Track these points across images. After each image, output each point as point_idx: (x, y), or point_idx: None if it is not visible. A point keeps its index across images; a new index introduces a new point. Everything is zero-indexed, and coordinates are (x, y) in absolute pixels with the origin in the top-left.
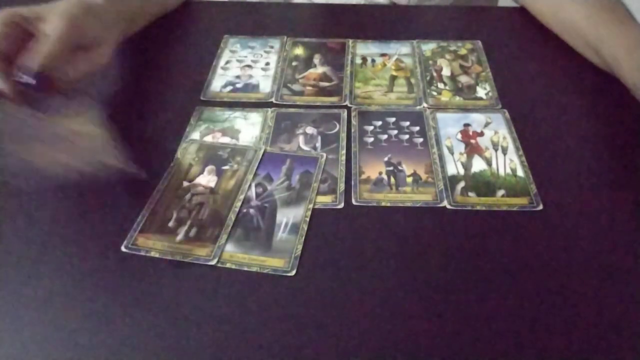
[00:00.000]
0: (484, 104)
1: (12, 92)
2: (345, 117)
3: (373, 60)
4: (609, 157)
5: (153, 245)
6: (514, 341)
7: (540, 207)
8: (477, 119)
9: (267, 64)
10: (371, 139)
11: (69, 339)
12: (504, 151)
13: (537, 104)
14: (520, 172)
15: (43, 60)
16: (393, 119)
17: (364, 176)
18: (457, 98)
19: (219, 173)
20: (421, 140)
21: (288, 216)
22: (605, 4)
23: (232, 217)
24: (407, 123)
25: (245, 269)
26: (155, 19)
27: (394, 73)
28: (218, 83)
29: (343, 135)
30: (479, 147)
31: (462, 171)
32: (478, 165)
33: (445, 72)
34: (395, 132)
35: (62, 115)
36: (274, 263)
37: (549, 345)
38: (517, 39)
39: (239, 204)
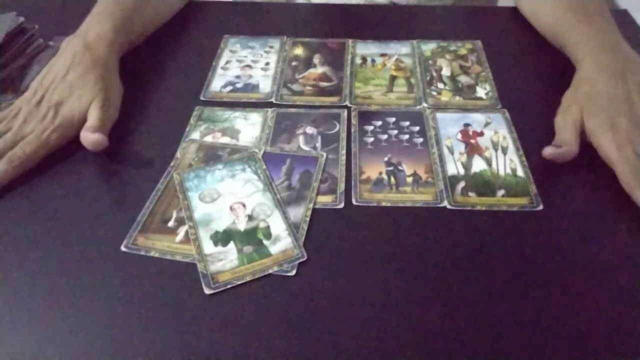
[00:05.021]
0: (484, 104)
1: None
2: (345, 117)
3: (373, 60)
4: None
5: (153, 245)
6: (514, 341)
7: (540, 207)
8: (477, 119)
9: (267, 64)
10: (371, 139)
11: (69, 339)
12: (504, 151)
13: (537, 104)
14: (520, 172)
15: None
16: (393, 119)
17: (364, 176)
18: (457, 98)
19: None
20: (421, 140)
21: (288, 216)
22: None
23: None
24: (407, 123)
25: None
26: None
27: (394, 73)
28: (218, 83)
29: (343, 135)
30: (479, 147)
31: (462, 171)
32: (478, 165)
33: (445, 72)
34: (395, 132)
35: None
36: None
37: (549, 345)
38: (517, 39)
39: None
